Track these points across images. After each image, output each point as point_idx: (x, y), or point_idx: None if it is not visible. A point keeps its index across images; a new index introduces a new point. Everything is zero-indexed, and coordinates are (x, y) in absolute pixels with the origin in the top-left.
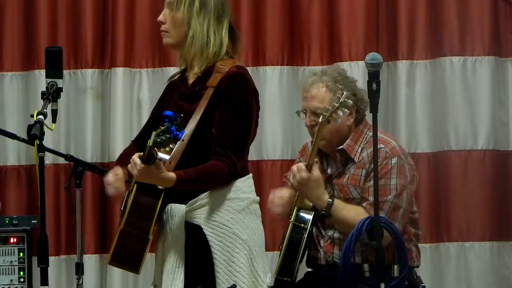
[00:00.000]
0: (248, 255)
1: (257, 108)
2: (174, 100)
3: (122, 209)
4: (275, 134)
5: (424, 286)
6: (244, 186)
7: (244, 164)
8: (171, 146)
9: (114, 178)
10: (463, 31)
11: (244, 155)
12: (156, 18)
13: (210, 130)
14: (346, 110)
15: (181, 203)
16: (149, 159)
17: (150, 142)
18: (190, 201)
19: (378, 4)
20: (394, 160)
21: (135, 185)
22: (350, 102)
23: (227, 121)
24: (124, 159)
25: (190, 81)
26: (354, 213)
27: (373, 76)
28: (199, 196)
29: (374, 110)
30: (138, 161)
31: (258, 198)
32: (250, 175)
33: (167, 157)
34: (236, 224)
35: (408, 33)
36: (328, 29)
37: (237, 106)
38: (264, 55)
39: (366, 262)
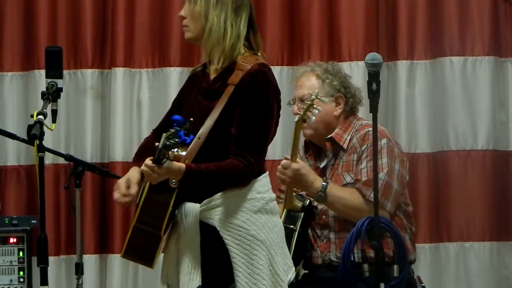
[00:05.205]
0: (267, 256)
1: (278, 108)
2: (194, 94)
3: (137, 203)
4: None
5: (424, 286)
6: (260, 186)
7: (261, 164)
8: (179, 150)
9: (125, 189)
10: (463, 31)
11: (262, 156)
12: (155, 18)
13: (228, 129)
14: (319, 108)
15: (195, 202)
16: (160, 160)
17: (160, 144)
18: (205, 201)
19: (378, 4)
20: (383, 141)
21: (148, 182)
22: (325, 99)
23: (246, 121)
24: (143, 154)
25: (211, 76)
26: (348, 193)
27: (373, 76)
28: (214, 196)
29: (374, 110)
30: (149, 162)
31: (274, 195)
32: (267, 173)
33: (183, 153)
34: (253, 225)
35: (408, 33)
36: (328, 29)
37: (258, 106)
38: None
39: (365, 262)
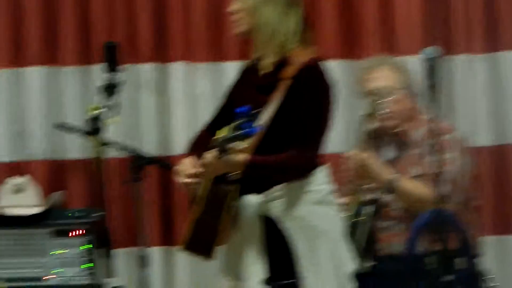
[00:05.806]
0: (329, 247)
1: (333, 101)
2: (248, 90)
3: (196, 196)
4: None
5: (490, 278)
6: (319, 178)
7: (319, 157)
8: (241, 143)
9: (192, 169)
10: None
11: (320, 149)
12: (213, 10)
13: (285, 123)
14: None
15: (255, 194)
16: (224, 152)
17: (225, 135)
18: (265, 193)
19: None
20: (449, 136)
21: (208, 175)
22: (397, 93)
23: (303, 115)
24: (197, 147)
25: (265, 71)
26: (416, 186)
27: (431, 70)
28: (273, 188)
29: (433, 105)
30: (212, 154)
31: (333, 188)
32: (325, 165)
33: (243, 146)
34: (314, 217)
35: (464, 27)
36: (384, 22)
37: (314, 99)
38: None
39: (430, 255)
